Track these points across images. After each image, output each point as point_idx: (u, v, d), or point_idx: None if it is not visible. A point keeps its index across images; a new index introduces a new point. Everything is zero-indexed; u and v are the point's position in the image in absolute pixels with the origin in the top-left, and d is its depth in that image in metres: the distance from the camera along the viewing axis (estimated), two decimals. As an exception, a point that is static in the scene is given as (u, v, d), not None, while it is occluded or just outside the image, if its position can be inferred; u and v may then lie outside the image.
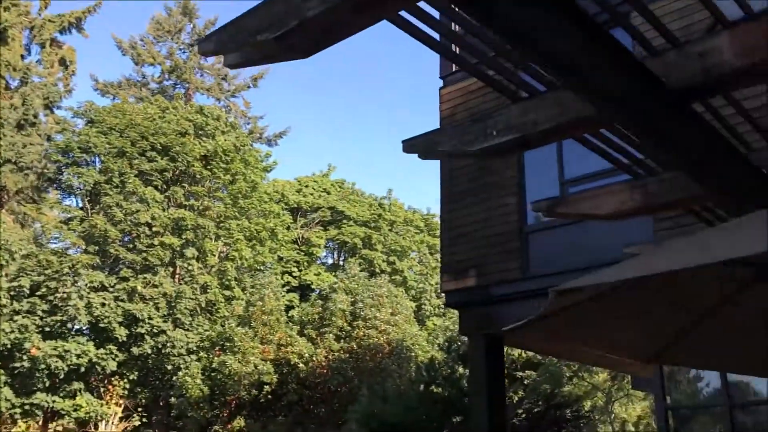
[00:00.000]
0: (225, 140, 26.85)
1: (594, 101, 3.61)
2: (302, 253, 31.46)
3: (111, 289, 23.07)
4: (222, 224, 26.25)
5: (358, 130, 64.92)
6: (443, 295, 32.21)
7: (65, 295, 21.95)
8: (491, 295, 9.04)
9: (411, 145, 4.95)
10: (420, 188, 66.27)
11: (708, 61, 3.64)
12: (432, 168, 67.42)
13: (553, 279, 8.56)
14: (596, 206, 5.71)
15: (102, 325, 22.41)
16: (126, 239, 24.93)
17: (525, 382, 18.55)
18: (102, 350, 22.59)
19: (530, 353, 20.38)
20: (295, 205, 32.48)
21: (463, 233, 9.58)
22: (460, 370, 13.51)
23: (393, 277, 30.43)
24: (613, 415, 22.66)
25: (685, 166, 4.36)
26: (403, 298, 27.59)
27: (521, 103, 4.41)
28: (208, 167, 26.17)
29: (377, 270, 30.44)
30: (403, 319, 26.25)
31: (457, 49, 5.86)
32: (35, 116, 27.56)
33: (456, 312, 31.10)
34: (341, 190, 33.78)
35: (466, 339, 18.17)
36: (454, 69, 10.39)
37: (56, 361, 21.27)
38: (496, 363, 9.35)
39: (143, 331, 22.99)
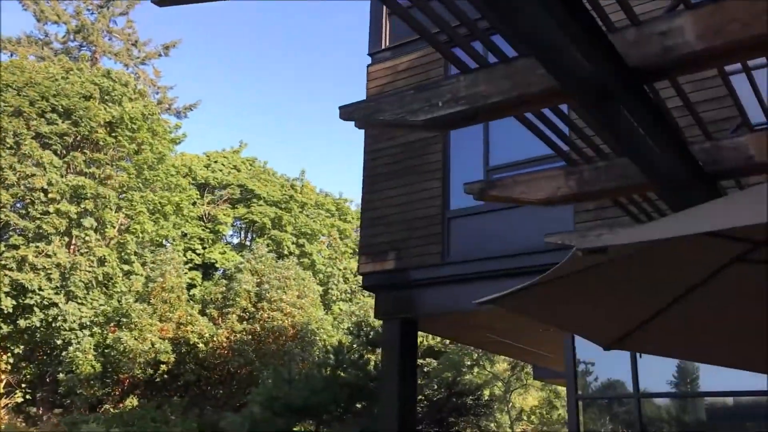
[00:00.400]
0: (132, 108, 25.56)
1: (560, 77, 3.44)
2: (207, 231, 30.50)
3: (-2, 257, 21.57)
4: (124, 195, 25.03)
5: (272, 109, 63.73)
6: (359, 277, 32.02)
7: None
8: (410, 279, 8.88)
9: (349, 113, 4.65)
10: (333, 172, 65.80)
11: (669, 41, 3.53)
12: (347, 152, 67.13)
13: (472, 265, 8.51)
14: (530, 191, 5.59)
15: (-15, 294, 20.92)
16: (18, 205, 23.36)
17: (425, 370, 18.67)
18: (-16, 322, 21.11)
19: (432, 341, 20.55)
20: (203, 181, 31.44)
21: (383, 215, 9.36)
22: (369, 354, 13.36)
23: (301, 260, 30.01)
24: (511, 404, 23.19)
25: (632, 151, 4.28)
26: (311, 281, 27.25)
27: (470, 75, 4.18)
28: (113, 134, 24.86)
29: (285, 252, 29.94)
30: (310, 303, 25.94)
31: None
32: None
33: (364, 298, 30.98)
34: (252, 168, 32.96)
35: (376, 323, 18.10)
36: (383, 46, 10.13)
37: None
38: (409, 347, 9.22)
39: (32, 302, 21.63)
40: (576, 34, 3.19)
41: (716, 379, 7.22)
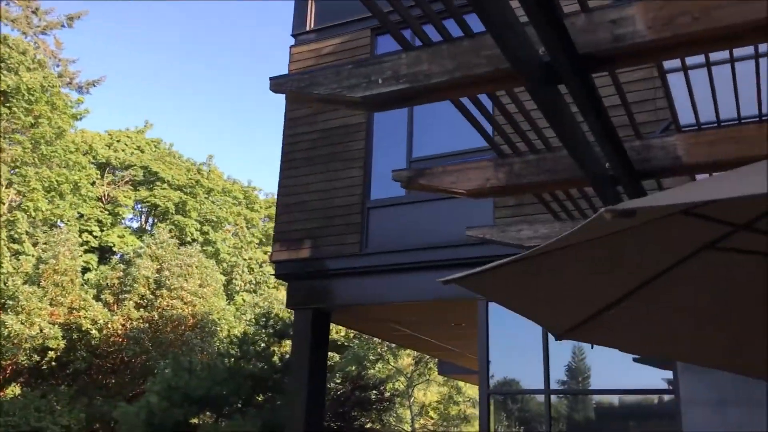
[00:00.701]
0: (30, 78, 24.01)
1: (512, 56, 3.30)
2: (106, 213, 29.10)
3: None
4: (17, 170, 23.48)
5: (181, 90, 61.66)
6: (265, 267, 31.28)
7: None
8: (326, 269, 8.64)
9: (280, 84, 4.38)
10: (243, 159, 64.34)
11: (619, 30, 3.47)
12: (258, 140, 65.85)
13: (391, 257, 8.37)
14: (460, 181, 5.48)
15: None
16: None
17: (329, 364, 18.47)
18: None
19: (336, 335, 20.36)
20: (104, 160, 29.97)
21: (301, 202, 9.08)
22: (275, 346, 13.02)
23: (205, 248, 29.12)
24: (413, 399, 23.32)
25: (572, 140, 4.22)
26: (214, 270, 26.47)
27: (413, 52, 4.00)
28: (7, 105, 23.27)
29: (189, 239, 28.97)
30: (212, 292, 25.20)
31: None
32: None
33: (269, 289, 30.28)
34: (157, 150, 31.71)
35: (284, 314, 17.72)
36: (308, 28, 9.84)
37: None
38: (321, 339, 8.98)
39: None
40: (532, 12, 3.06)
41: (624, 377, 7.39)
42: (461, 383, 23.68)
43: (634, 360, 7.38)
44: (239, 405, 12.42)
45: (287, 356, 13.01)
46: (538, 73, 3.58)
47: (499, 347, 7.58)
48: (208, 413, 12.61)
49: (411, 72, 3.97)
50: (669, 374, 6.87)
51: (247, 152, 65.65)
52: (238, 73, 65.84)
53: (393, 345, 24.84)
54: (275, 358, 12.95)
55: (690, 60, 4.20)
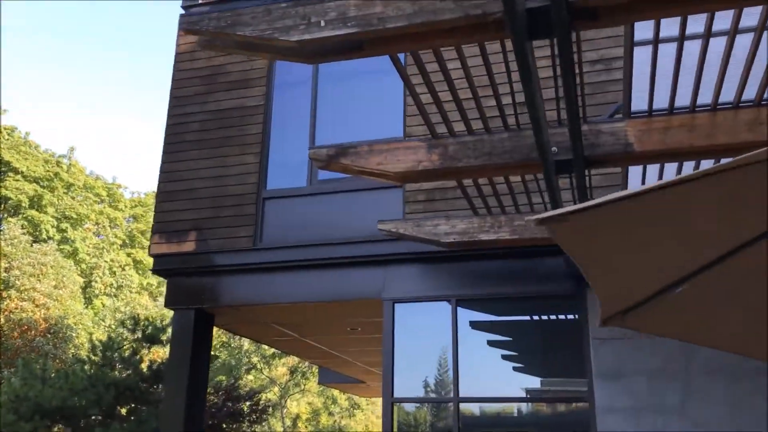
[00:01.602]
0: None
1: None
2: (-53, 204, 26.12)
3: None
4: None
5: (42, 76, 57.16)
6: (127, 270, 29.04)
7: None
8: (213, 264, 7.75)
9: (194, 23, 3.58)
10: (108, 155, 60.43)
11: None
12: (127, 134, 62.23)
13: (288, 253, 7.61)
14: (388, 162, 4.87)
15: None
16: None
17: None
18: None
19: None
20: (-54, 146, 26.91)
21: (187, 189, 8.13)
22: (144, 351, 11.80)
23: (62, 247, 26.76)
24: (286, 409, 22.38)
25: (535, 114, 3.73)
26: (71, 271, 24.33)
27: (365, -8, 3.36)
28: None
29: (44, 236, 26.51)
30: (68, 295, 23.12)
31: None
32: None
33: (132, 294, 28.22)
34: (10, 138, 28.89)
35: (155, 316, 16.31)
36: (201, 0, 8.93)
37: None
38: (203, 343, 8.06)
39: None
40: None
41: (536, 384, 7.05)
42: (337, 393, 23.03)
43: (543, 384, 7.07)
44: (100, 417, 11.11)
45: (157, 363, 11.83)
46: (521, 23, 3.06)
47: (405, 352, 7.02)
48: (62, 426, 11.19)
49: (361, 14, 3.32)
50: (583, 382, 6.59)
51: (114, 148, 61.89)
52: (115, 59, 62.08)
53: (267, 354, 23.80)
54: (143, 365, 11.73)
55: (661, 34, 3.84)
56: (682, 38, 3.80)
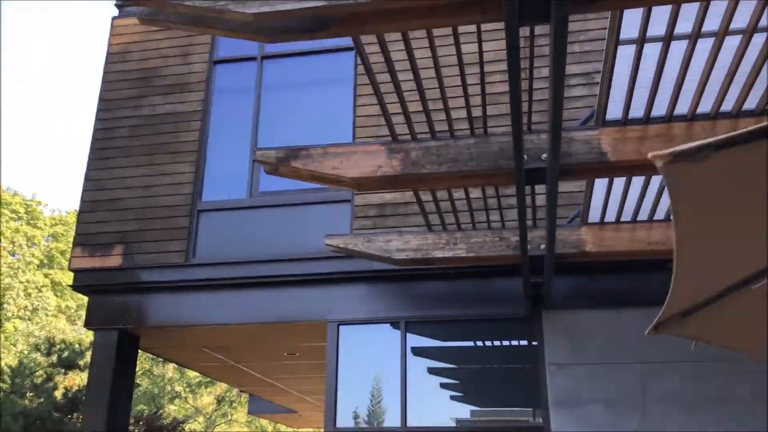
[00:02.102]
0: None
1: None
2: None
3: None
4: None
5: (-46, 91, 54.15)
6: (44, 291, 27.47)
7: None
8: (140, 281, 7.10)
9: (133, -7, 3.10)
10: (28, 170, 57.58)
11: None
12: (50, 149, 59.59)
13: (225, 270, 7.04)
14: (344, 167, 4.45)
15: None
16: None
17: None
18: None
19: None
20: None
21: (114, 199, 7.48)
22: (60, 377, 10.87)
23: (-28, 265, 25.05)
24: (211, 441, 21.34)
25: (517, 109, 3.38)
26: (-19, 291, 22.74)
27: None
28: None
29: (-48, 253, 24.77)
30: (-23, 317, 21.56)
31: None
32: None
33: (48, 317, 26.68)
34: None
35: (72, 340, 15.21)
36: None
37: None
38: (127, 367, 7.36)
39: None
40: None
41: (487, 413, 6.67)
42: (266, 423, 22.12)
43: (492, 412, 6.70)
44: (6, 450, 10.11)
45: (74, 390, 10.90)
46: (513, 4, 2.71)
47: (350, 378, 6.54)
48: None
49: (330, -14, 2.91)
50: (532, 410, 6.25)
51: (33, 163, 59.11)
52: (42, 65, 59.59)
53: (193, 382, 22.72)
54: (58, 393, 10.79)
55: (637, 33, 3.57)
56: (669, 38, 3.55)
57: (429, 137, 4.44)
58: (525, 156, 4.20)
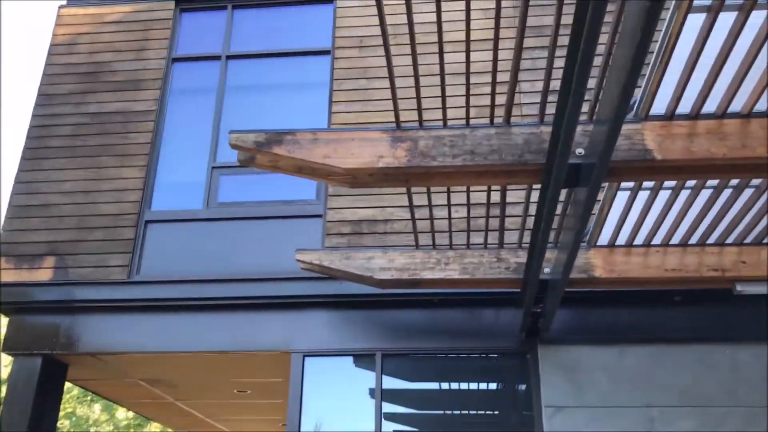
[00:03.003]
0: None
1: None
2: None
3: None
4: None
5: None
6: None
7: None
8: (73, 299, 6.12)
9: None
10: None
11: None
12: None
13: (171, 289, 6.11)
14: (338, 156, 3.70)
15: None
16: None
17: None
18: None
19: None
20: None
21: (47, 205, 6.52)
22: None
23: None
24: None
25: (580, 90, 2.71)
26: None
27: None
28: None
29: None
30: None
31: None
32: None
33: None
34: None
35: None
36: (88, -12, 7.55)
37: None
38: (50, 400, 6.30)
39: None
40: None
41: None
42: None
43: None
44: None
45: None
46: None
47: (315, 417, 5.66)
48: None
49: None
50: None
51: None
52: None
53: (120, 425, 21.06)
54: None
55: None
56: (750, 6, 2.96)
57: (440, 125, 3.74)
58: (581, 150, 3.53)
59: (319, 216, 6.25)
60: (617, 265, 5.07)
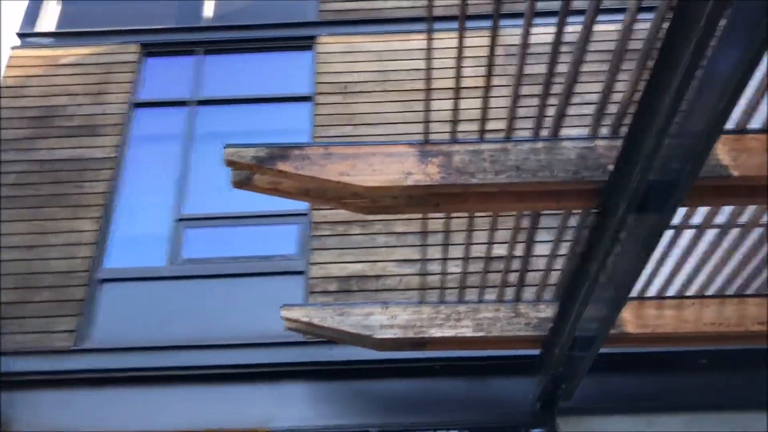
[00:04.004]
0: None
1: None
2: None
3: None
4: None
5: None
6: None
7: None
8: (9, 371, 5.16)
9: None
10: None
11: None
12: None
13: (128, 358, 5.24)
14: (358, 173, 3.06)
15: None
16: None
17: None
18: None
19: None
20: None
21: (-16, 261, 5.64)
22: None
23: None
24: None
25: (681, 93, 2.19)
26: None
27: None
28: None
29: None
30: None
31: None
32: None
33: None
34: None
35: None
36: (43, 29, 6.93)
37: None
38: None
39: None
40: None
41: None
42: None
43: None
44: None
45: None
46: None
47: None
48: None
49: None
50: None
51: None
52: None
53: None
54: None
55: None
56: None
57: (476, 138, 3.17)
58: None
59: (301, 273, 5.54)
60: (649, 320, 4.49)
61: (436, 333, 4.41)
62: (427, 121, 3.09)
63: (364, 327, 4.45)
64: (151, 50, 6.84)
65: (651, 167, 2.75)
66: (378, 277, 5.41)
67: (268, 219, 5.82)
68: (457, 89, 3.07)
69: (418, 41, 6.66)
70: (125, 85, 6.54)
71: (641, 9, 2.71)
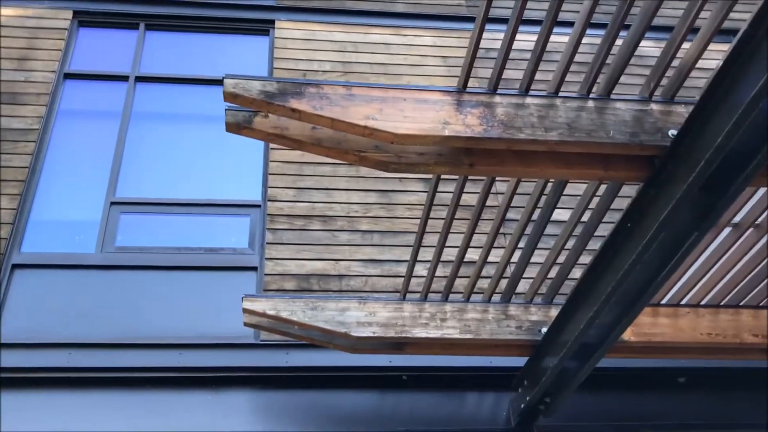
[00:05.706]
0: None
1: None
2: None
3: None
4: None
5: None
6: None
7: None
8: None
9: None
10: None
11: None
12: None
13: (46, 356, 4.43)
14: (387, 117, 2.58)
15: None
16: None
17: None
18: None
19: None
20: None
21: None
22: None
23: None
24: None
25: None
26: None
27: None
28: None
29: None
30: None
31: None
32: None
33: None
34: None
35: None
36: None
37: None
38: None
39: None
40: None
41: None
42: None
43: None
44: None
45: None
46: None
47: None
48: None
49: None
50: None
51: None
52: None
53: None
54: None
55: None
56: None
57: (522, 91, 2.76)
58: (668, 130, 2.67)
59: (254, 268, 4.92)
60: (644, 327, 4.19)
61: (420, 333, 3.93)
62: (468, 66, 2.66)
63: (339, 323, 3.91)
64: (84, 19, 6.11)
65: (737, 132, 2.40)
66: (341, 276, 4.88)
67: (217, 208, 5.19)
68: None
69: (379, 35, 6.31)
70: (54, 52, 5.78)
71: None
